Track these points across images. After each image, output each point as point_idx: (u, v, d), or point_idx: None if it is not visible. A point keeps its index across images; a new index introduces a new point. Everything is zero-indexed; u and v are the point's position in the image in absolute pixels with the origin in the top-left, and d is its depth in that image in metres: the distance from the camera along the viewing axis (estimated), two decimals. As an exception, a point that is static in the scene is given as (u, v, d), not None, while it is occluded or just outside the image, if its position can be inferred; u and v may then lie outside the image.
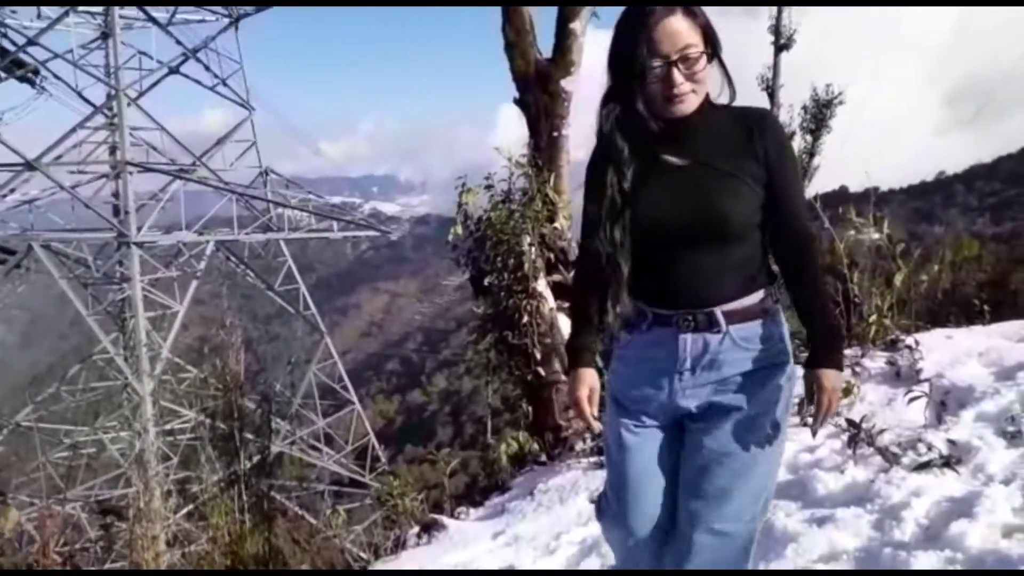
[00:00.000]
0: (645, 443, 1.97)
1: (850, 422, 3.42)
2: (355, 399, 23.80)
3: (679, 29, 1.77)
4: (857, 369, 4.32)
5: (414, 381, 62.24)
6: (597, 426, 2.08)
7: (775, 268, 1.94)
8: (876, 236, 5.25)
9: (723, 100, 1.89)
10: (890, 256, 5.10)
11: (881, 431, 3.36)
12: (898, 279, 5.06)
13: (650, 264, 1.89)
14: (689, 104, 1.81)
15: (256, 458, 6.63)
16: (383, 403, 59.08)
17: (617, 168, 1.86)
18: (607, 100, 1.90)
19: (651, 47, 1.77)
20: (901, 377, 4.16)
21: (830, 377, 1.85)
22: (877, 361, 4.44)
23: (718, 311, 1.86)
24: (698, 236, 1.82)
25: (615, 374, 2.04)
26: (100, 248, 21.57)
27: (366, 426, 23.50)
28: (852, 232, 5.19)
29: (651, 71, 1.78)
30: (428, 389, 59.71)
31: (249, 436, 6.43)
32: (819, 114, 12.26)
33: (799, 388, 1.93)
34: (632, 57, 1.79)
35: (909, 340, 4.40)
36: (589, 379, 2.02)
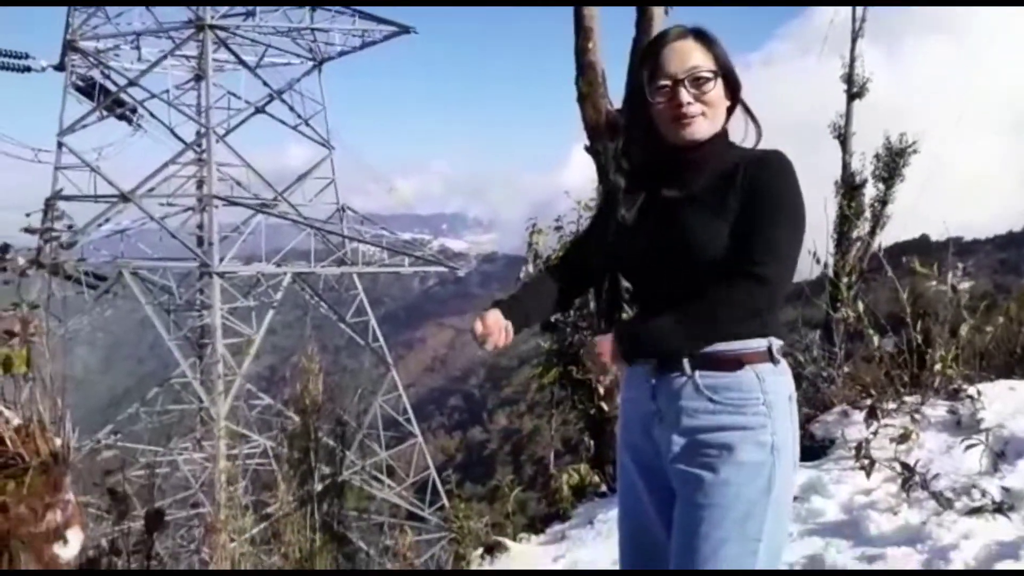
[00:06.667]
0: (639, 510, 1.83)
1: (904, 466, 3.51)
2: (418, 433, 24.12)
3: (688, 49, 1.72)
4: (917, 416, 4.36)
5: (475, 418, 62.39)
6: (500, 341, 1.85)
7: (784, 318, 1.79)
8: (965, 286, 5.17)
9: (749, 143, 1.79)
10: (963, 307, 5.06)
11: (936, 476, 3.44)
12: (963, 329, 5.06)
13: (633, 295, 1.86)
14: (698, 128, 1.72)
15: (328, 481, 6.95)
16: (444, 439, 59.34)
17: (613, 203, 1.84)
18: (623, 133, 1.88)
19: (659, 67, 1.72)
20: (961, 426, 4.19)
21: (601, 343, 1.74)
22: (938, 410, 4.47)
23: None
24: (668, 268, 1.72)
25: (620, 417, 1.93)
26: (183, 276, 22.70)
27: (427, 460, 23.73)
28: (933, 283, 5.16)
29: (658, 90, 1.72)
30: (489, 427, 59.75)
31: (320, 462, 6.75)
32: (892, 163, 12.18)
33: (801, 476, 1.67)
34: (640, 80, 1.75)
35: (971, 390, 4.42)
36: (489, 313, 1.84)
